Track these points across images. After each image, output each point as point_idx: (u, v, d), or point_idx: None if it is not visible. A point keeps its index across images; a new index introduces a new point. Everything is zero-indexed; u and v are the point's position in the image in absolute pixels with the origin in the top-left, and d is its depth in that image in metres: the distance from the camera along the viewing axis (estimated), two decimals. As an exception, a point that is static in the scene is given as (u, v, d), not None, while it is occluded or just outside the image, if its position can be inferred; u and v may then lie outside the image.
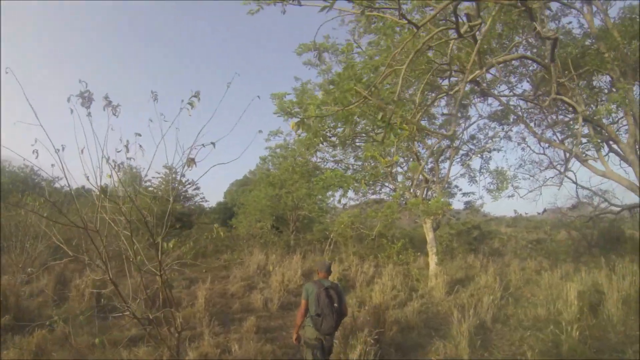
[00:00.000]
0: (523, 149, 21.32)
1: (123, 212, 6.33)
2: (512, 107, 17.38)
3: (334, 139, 17.26)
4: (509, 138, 20.42)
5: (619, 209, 19.98)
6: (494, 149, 20.19)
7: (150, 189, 27.71)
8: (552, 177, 21.22)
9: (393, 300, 13.73)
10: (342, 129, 16.44)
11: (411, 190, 18.54)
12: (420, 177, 19.09)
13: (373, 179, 18.50)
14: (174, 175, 29.40)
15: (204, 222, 31.50)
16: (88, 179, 6.21)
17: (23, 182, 29.24)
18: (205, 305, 12.17)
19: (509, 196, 19.87)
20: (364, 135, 17.88)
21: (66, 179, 6.03)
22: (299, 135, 16.33)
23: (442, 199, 15.05)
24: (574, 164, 20.12)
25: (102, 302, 11.13)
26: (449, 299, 14.11)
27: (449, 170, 19.60)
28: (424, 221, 18.21)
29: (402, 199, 17.64)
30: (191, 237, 24.95)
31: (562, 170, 20.53)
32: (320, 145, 17.40)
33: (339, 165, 20.37)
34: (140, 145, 6.10)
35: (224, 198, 46.48)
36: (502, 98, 16.48)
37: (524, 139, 20.97)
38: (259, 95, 6.22)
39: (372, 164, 18.16)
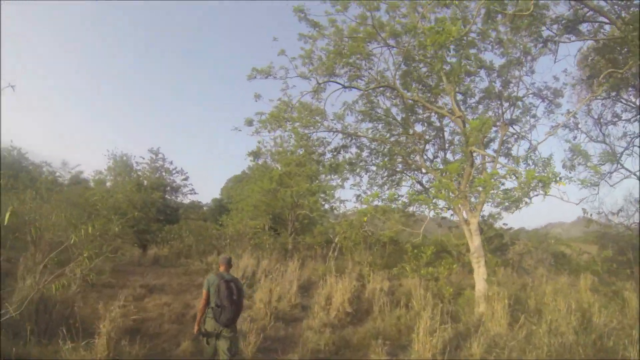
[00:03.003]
0: (575, 137, 15.76)
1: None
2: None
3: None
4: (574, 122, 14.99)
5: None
6: (565, 125, 14.83)
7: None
8: (613, 173, 16.88)
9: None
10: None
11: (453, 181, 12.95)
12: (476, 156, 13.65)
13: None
14: (160, 162, 25.52)
15: (190, 217, 26.53)
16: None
17: (10, 166, 26.23)
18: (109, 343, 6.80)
19: (591, 184, 14.67)
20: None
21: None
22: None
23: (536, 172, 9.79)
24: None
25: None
26: (519, 339, 8.51)
27: (498, 152, 14.03)
28: (467, 222, 12.80)
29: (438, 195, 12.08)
30: (171, 234, 20.31)
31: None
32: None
33: (354, 141, 15.03)
34: None
35: (220, 195, 41.91)
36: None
37: (577, 124, 16.15)
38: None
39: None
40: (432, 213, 12.86)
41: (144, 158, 25.64)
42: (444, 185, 10.76)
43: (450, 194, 10.98)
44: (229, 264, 6.87)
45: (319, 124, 13.89)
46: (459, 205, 12.91)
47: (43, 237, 12.86)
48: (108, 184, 25.95)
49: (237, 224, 23.41)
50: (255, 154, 14.52)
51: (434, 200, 11.69)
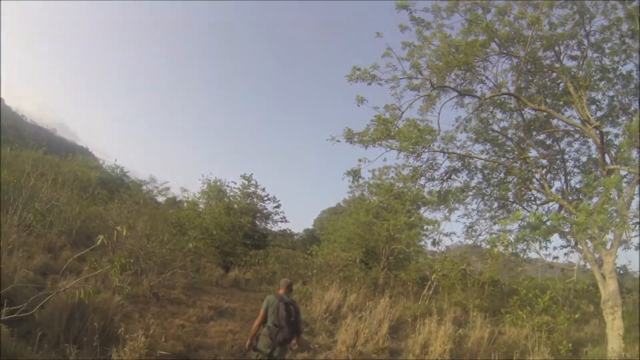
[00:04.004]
0: None
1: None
2: None
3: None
4: None
5: None
6: None
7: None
8: None
9: None
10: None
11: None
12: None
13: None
14: (253, 188, 24.89)
15: (280, 245, 25.26)
16: None
17: (113, 182, 29.22)
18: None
19: None
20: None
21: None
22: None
23: None
24: None
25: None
26: None
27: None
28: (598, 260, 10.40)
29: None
30: (256, 259, 19.11)
31: None
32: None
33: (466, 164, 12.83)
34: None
35: (313, 225, 41.03)
36: None
37: None
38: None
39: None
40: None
41: (235, 183, 25.41)
42: (598, 209, 8.34)
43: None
44: (289, 288, 6.87)
45: (429, 144, 11.73)
46: (586, 240, 10.48)
47: (124, 243, 12.13)
48: (201, 206, 25.66)
49: (327, 254, 21.94)
50: (355, 173, 12.36)
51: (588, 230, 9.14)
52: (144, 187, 31.83)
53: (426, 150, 11.73)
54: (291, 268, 19.90)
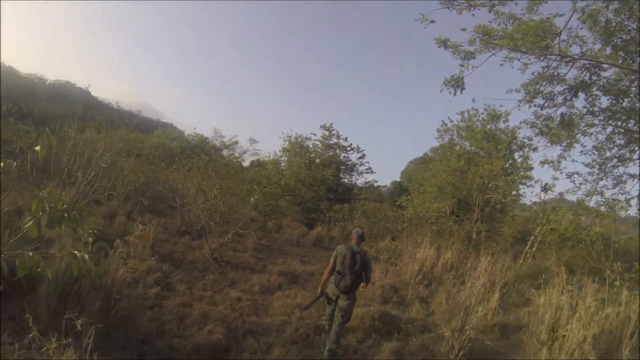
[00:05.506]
0: None
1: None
2: None
3: None
4: None
5: None
6: None
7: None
8: None
9: None
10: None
11: None
12: None
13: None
14: (335, 139, 22.91)
15: (362, 197, 23.23)
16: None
17: (192, 149, 28.26)
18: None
19: None
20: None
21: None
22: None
23: None
24: None
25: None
26: None
27: None
28: None
29: None
30: (340, 214, 17.36)
31: None
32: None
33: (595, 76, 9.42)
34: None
35: (400, 177, 38.81)
36: None
37: None
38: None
39: None
40: None
41: (315, 135, 23.35)
42: None
43: None
44: (360, 238, 6.50)
45: (548, 48, 8.40)
46: None
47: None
48: (283, 164, 24.06)
49: (417, 205, 19.88)
50: (457, 82, 9.31)
51: None
52: (224, 152, 31.30)
53: (544, 56, 8.58)
54: (379, 222, 17.82)
